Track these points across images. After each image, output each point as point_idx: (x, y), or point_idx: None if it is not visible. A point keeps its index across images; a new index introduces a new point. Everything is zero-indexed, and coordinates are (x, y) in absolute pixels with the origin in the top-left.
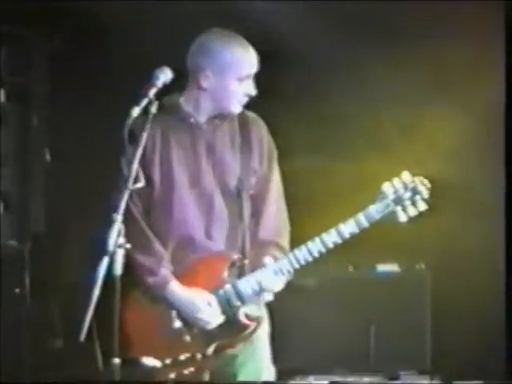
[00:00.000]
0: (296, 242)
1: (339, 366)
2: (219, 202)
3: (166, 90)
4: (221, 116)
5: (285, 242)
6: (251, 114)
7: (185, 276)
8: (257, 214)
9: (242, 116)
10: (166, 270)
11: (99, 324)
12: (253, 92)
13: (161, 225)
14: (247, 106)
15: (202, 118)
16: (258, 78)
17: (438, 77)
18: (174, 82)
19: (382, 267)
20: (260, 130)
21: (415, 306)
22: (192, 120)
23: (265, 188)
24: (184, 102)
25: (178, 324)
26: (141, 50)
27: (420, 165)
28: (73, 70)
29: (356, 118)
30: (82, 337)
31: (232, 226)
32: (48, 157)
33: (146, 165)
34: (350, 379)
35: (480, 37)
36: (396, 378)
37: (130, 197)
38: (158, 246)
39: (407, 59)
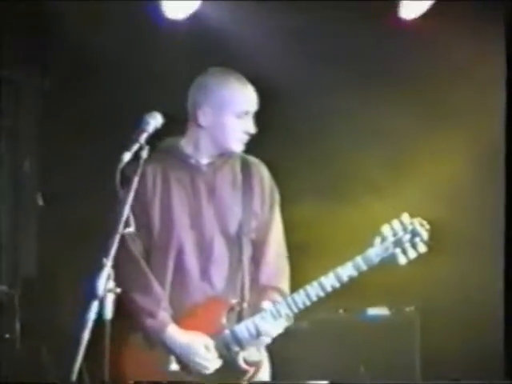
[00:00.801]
0: (295, 285)
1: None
2: (219, 244)
3: (158, 135)
4: (222, 156)
5: (285, 286)
6: (253, 159)
7: (183, 320)
8: (257, 259)
9: (243, 160)
10: (164, 313)
11: (90, 368)
12: (252, 130)
13: (159, 266)
14: (248, 151)
15: (203, 159)
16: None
17: (435, 115)
18: (165, 126)
19: (372, 310)
20: (261, 174)
21: (405, 348)
22: (193, 161)
23: (265, 232)
24: (184, 143)
25: (175, 367)
26: (132, 93)
27: (418, 206)
28: (64, 113)
29: (352, 160)
30: (74, 379)
31: (231, 270)
32: (40, 201)
33: (146, 206)
34: None
35: (480, 74)
36: None
37: (131, 238)
38: (157, 287)
39: (402, 97)
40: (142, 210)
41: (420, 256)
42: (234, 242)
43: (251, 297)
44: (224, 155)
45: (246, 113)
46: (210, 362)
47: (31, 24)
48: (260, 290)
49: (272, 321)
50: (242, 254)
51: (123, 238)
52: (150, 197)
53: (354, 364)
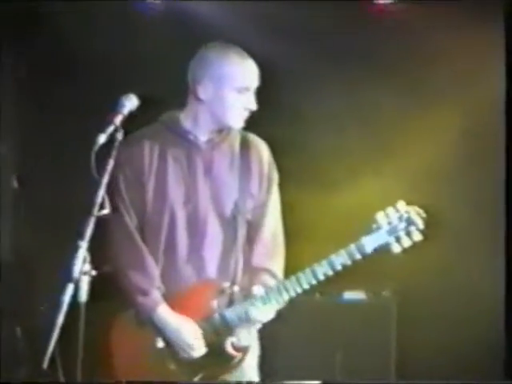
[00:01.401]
0: (287, 270)
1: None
2: (213, 224)
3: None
4: (221, 132)
5: (277, 268)
6: (253, 136)
7: (173, 301)
8: (251, 239)
9: (243, 137)
10: (157, 292)
11: (67, 351)
12: (253, 106)
13: (151, 243)
14: (248, 128)
15: (202, 135)
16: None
17: (425, 99)
18: (140, 109)
19: (349, 294)
20: (261, 152)
21: (381, 332)
22: (191, 137)
23: (262, 213)
24: (184, 117)
25: (161, 344)
26: (108, 77)
27: (415, 192)
28: (40, 96)
29: (349, 146)
30: (45, 364)
31: (224, 251)
32: (15, 184)
33: (141, 180)
34: None
35: (478, 56)
36: None
37: (127, 212)
38: (151, 265)
39: (389, 81)
40: (137, 185)
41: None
42: (229, 223)
43: (243, 279)
44: (223, 132)
45: (247, 88)
46: (196, 350)
47: (5, 11)
48: (251, 272)
49: (262, 307)
50: (237, 236)
51: (119, 211)
52: (147, 171)
53: (329, 348)
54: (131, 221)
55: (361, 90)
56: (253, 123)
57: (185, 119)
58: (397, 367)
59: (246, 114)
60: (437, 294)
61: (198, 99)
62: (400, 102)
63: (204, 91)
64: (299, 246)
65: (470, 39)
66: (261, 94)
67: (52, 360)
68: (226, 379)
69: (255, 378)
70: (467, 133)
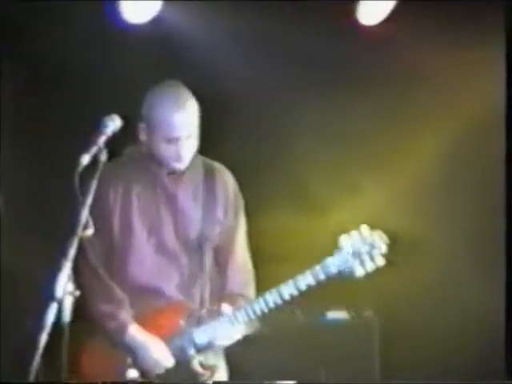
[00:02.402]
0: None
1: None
2: (178, 252)
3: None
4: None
5: (251, 292)
6: (217, 165)
7: (142, 323)
8: (223, 266)
9: (206, 166)
10: (125, 314)
11: (48, 371)
12: (183, 155)
13: (120, 272)
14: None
15: (163, 169)
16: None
17: (399, 119)
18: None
19: (331, 314)
20: (225, 180)
21: (364, 352)
22: (152, 171)
23: (231, 239)
24: (144, 151)
25: (133, 371)
26: (92, 96)
27: (382, 214)
28: (24, 116)
29: (316, 165)
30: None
31: (191, 277)
32: (0, 202)
33: (107, 213)
34: None
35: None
36: None
37: (90, 244)
38: (117, 291)
39: (367, 100)
40: (103, 216)
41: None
42: (195, 250)
43: (216, 303)
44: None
45: (177, 138)
46: (165, 366)
47: None
48: (227, 297)
49: (229, 327)
50: (203, 262)
51: (82, 245)
52: (112, 205)
53: (312, 367)
54: (95, 252)
55: (339, 108)
56: (222, 143)
57: (145, 154)
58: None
59: (181, 160)
60: (419, 312)
61: (138, 138)
62: (377, 124)
63: (142, 133)
64: (269, 268)
65: (468, 48)
66: (235, 114)
67: (36, 379)
68: None
69: None
70: (459, 147)
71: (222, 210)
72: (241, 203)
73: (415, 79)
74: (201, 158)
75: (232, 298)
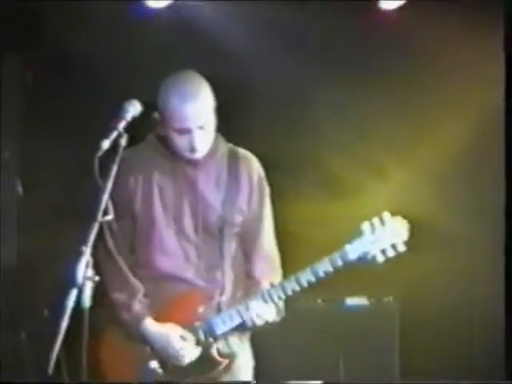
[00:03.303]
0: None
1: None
2: (198, 239)
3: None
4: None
5: (277, 279)
6: (243, 152)
7: (161, 310)
8: (248, 254)
9: (232, 153)
10: (140, 305)
11: (70, 357)
12: (197, 146)
13: (141, 258)
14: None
15: (186, 155)
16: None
17: (427, 106)
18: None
19: (351, 301)
20: (251, 168)
21: (384, 339)
22: (175, 157)
23: (256, 228)
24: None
25: (152, 361)
26: (112, 82)
27: (403, 201)
28: (44, 102)
29: (339, 152)
30: (50, 370)
31: (211, 264)
32: (20, 190)
33: (127, 199)
34: None
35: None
36: None
37: (111, 230)
38: (132, 280)
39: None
40: (124, 202)
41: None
42: (215, 237)
43: (241, 291)
44: (209, 150)
45: (188, 130)
46: (186, 354)
47: (10, 17)
48: (254, 285)
49: (253, 313)
50: (223, 248)
51: (102, 229)
52: (132, 191)
53: (333, 354)
54: (116, 240)
55: (358, 98)
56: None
57: (166, 142)
58: (400, 372)
59: (195, 150)
60: (438, 299)
61: (155, 127)
62: (397, 108)
63: (157, 123)
64: (292, 254)
65: (469, 43)
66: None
67: (57, 365)
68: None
69: None
70: (467, 138)
71: (245, 198)
72: (266, 191)
73: (433, 68)
74: (226, 145)
75: (258, 285)
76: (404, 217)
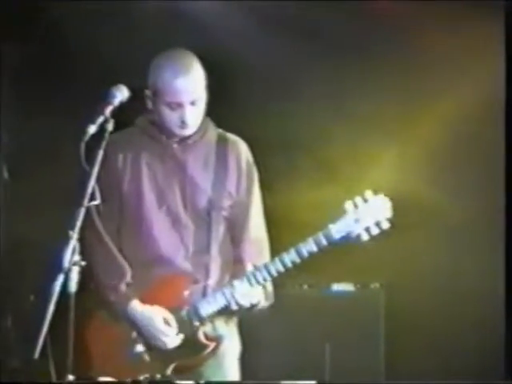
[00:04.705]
0: None
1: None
2: (186, 222)
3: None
4: (196, 133)
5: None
6: (231, 137)
7: (148, 293)
8: (237, 239)
9: (220, 137)
10: (127, 287)
11: (55, 341)
12: (188, 120)
13: (130, 242)
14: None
15: (174, 137)
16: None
17: (424, 90)
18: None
19: (337, 286)
20: (239, 152)
21: (370, 324)
22: (164, 139)
23: (244, 213)
24: (155, 120)
25: (138, 345)
26: (99, 68)
27: (383, 182)
28: (29, 88)
29: (324, 133)
30: (37, 354)
31: (199, 247)
32: (6, 174)
33: (116, 182)
34: None
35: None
36: None
37: (99, 213)
38: (121, 262)
39: (392, 72)
40: (112, 185)
41: (384, 232)
42: (203, 220)
43: (228, 275)
44: (198, 133)
45: (179, 104)
46: (170, 337)
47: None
48: (241, 269)
49: (237, 293)
50: (211, 232)
51: (90, 212)
52: (121, 174)
53: (318, 340)
54: (103, 220)
55: (351, 80)
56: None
57: (156, 122)
58: (386, 359)
59: (186, 126)
60: (426, 285)
61: (146, 106)
62: (390, 91)
63: (148, 100)
64: (280, 238)
65: (469, 35)
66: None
67: (43, 349)
68: (200, 370)
69: (235, 370)
70: (464, 122)
71: (234, 182)
72: (255, 175)
73: (427, 53)
74: (215, 129)
75: (245, 270)
76: (397, 200)
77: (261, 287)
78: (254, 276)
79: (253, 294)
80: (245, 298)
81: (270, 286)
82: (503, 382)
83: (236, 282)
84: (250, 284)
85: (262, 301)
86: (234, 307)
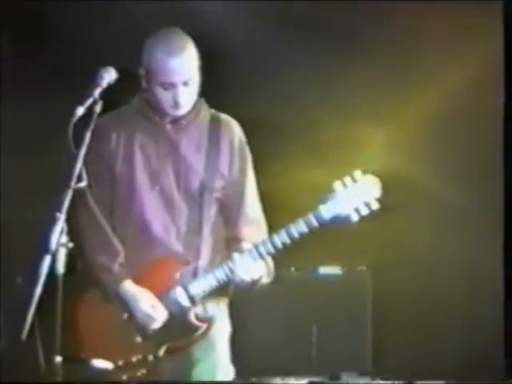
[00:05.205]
0: None
1: (281, 366)
2: (179, 202)
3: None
4: (189, 114)
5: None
6: (225, 117)
7: (140, 275)
8: (233, 220)
9: (213, 118)
10: (120, 268)
11: (44, 323)
12: (180, 100)
13: (122, 223)
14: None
15: (167, 117)
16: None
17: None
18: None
19: (324, 269)
20: (232, 133)
21: (357, 307)
22: (157, 119)
23: (239, 193)
24: (150, 100)
25: (130, 326)
26: (87, 49)
27: (373, 164)
28: (18, 69)
29: (313, 114)
30: (24, 335)
31: (191, 228)
32: None
33: (108, 162)
34: (291, 380)
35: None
36: (337, 378)
37: (92, 193)
38: (114, 243)
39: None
40: (105, 165)
41: (373, 214)
42: (195, 201)
43: (221, 256)
44: (191, 113)
45: (173, 84)
46: (154, 319)
47: None
48: (238, 249)
49: (229, 274)
50: (203, 212)
51: (82, 192)
52: (114, 154)
53: (305, 322)
54: (96, 200)
55: (343, 62)
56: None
57: (150, 102)
58: (373, 341)
59: (179, 106)
60: (413, 268)
61: (141, 85)
62: (383, 74)
63: (142, 79)
64: (274, 220)
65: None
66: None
67: (31, 331)
68: (192, 351)
69: (225, 351)
70: (455, 102)
71: (226, 162)
72: (248, 156)
73: (416, 34)
74: (208, 110)
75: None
76: (385, 181)
77: (263, 262)
78: (257, 249)
79: (255, 268)
80: (246, 272)
81: (271, 262)
82: (503, 382)
83: (237, 255)
84: (253, 258)
85: (264, 276)
86: (237, 280)
